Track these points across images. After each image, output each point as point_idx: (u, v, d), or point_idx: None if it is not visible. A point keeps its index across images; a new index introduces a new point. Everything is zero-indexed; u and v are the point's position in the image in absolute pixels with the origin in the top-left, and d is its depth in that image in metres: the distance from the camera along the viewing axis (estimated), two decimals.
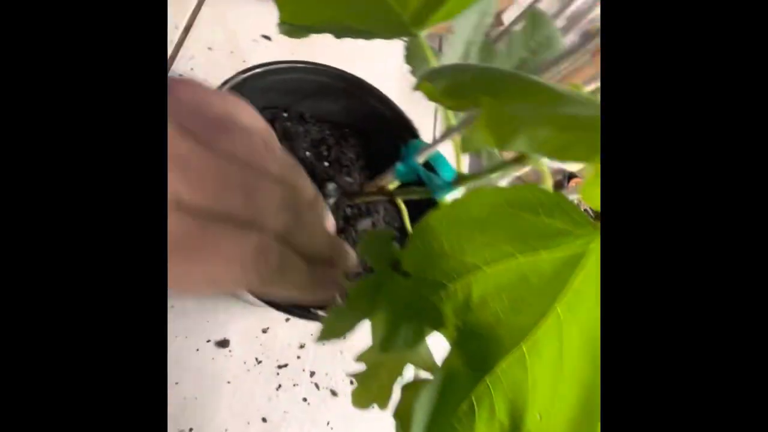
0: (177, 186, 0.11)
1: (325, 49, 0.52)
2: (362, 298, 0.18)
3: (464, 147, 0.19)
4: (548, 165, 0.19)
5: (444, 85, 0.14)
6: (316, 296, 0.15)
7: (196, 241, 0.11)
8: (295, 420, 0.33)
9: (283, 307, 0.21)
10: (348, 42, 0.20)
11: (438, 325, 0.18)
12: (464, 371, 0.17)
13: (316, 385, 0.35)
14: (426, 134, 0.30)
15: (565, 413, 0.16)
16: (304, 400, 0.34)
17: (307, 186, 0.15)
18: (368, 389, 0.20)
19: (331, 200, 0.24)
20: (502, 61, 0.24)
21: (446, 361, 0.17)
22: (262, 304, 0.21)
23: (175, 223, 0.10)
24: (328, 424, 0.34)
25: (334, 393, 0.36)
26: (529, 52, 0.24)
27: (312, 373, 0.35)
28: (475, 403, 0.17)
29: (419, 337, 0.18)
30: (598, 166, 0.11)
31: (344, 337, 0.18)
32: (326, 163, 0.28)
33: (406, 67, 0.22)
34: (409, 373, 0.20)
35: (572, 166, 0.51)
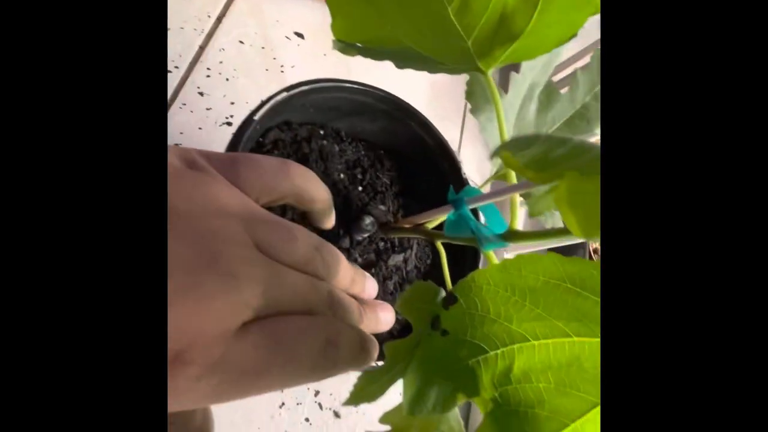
0: (254, 301, 0.11)
1: None
2: (399, 360, 0.17)
3: (532, 212, 0.18)
4: None
5: (530, 158, 0.12)
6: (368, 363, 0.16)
7: (273, 353, 0.11)
8: None
9: None
10: None
11: (473, 392, 0.17)
12: None
13: (320, 405, 0.34)
14: (451, 139, 0.29)
15: None
16: (307, 420, 0.33)
17: (342, 263, 0.16)
18: None
19: (366, 234, 0.22)
20: (564, 106, 0.22)
21: None
22: None
23: (256, 337, 0.11)
24: None
25: (337, 414, 0.35)
26: (593, 98, 0.22)
27: (317, 393, 0.35)
28: None
29: (451, 402, 0.17)
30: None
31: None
32: (360, 188, 0.26)
33: (433, 75, 0.20)
34: None
35: None
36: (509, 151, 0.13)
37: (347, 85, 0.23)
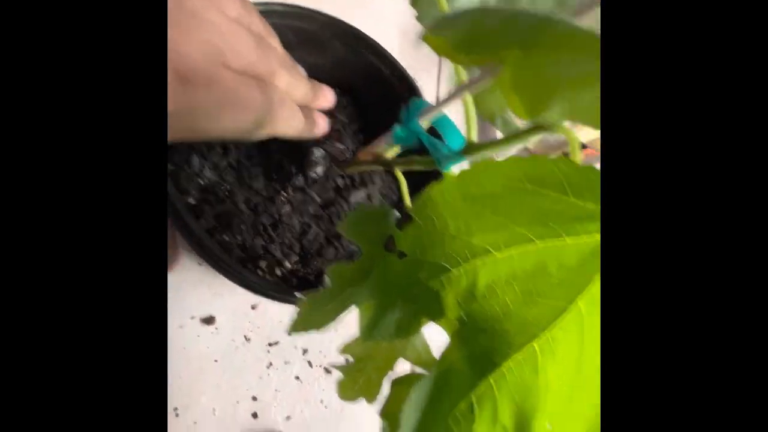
0: (223, 49, 0.14)
1: None
2: (346, 284, 0.16)
3: (480, 111, 0.16)
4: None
5: (458, 36, 0.10)
6: (310, 132, 0.19)
7: (242, 92, 0.15)
8: (287, 399, 0.32)
9: (261, 290, 0.18)
10: None
11: (436, 314, 0.16)
12: (464, 368, 0.15)
13: (309, 363, 0.34)
14: (428, 96, 0.27)
15: (580, 424, 0.14)
16: (297, 378, 0.33)
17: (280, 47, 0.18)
18: (354, 382, 0.18)
19: (319, 169, 0.21)
20: (529, 5, 0.20)
21: (444, 355, 0.15)
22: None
23: (229, 78, 0.14)
24: (321, 402, 0.33)
25: (328, 371, 0.34)
26: None
27: (305, 351, 0.34)
28: (475, 403, 0.15)
29: (414, 326, 0.16)
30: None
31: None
32: None
33: (405, 19, 0.18)
34: (402, 367, 0.18)
35: (586, 135, 0.46)
36: (436, 30, 0.11)
37: (280, 7, 0.20)
